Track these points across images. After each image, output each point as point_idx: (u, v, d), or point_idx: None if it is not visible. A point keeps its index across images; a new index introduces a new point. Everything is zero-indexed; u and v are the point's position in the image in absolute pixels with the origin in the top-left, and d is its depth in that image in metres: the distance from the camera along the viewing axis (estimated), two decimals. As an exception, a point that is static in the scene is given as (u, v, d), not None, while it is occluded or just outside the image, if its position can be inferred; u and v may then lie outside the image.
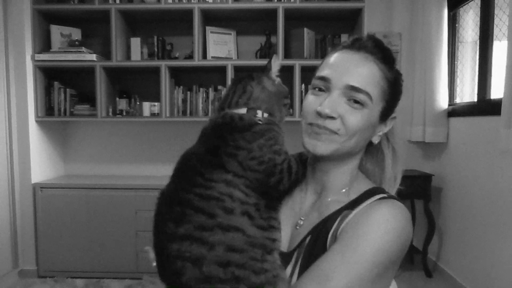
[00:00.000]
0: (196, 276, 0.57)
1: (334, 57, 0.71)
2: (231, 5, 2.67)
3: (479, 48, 2.39)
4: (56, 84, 2.82)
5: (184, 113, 2.86)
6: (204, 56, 2.79)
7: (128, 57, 2.86)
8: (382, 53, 0.70)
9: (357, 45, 0.70)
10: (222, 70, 2.76)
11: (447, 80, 2.68)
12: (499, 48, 2.25)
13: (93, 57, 2.71)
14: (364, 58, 0.69)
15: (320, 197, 0.75)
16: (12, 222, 2.66)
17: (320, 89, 0.70)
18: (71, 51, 2.71)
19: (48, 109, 2.82)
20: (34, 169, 2.72)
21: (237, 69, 2.75)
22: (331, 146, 0.68)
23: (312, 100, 0.70)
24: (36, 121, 2.75)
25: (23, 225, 2.72)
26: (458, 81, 2.78)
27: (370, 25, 2.89)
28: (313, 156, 0.72)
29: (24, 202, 2.70)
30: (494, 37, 2.28)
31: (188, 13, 2.69)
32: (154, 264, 0.65)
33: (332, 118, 0.67)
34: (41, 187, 2.69)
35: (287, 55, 2.75)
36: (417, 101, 2.79)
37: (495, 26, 2.27)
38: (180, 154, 0.70)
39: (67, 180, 2.87)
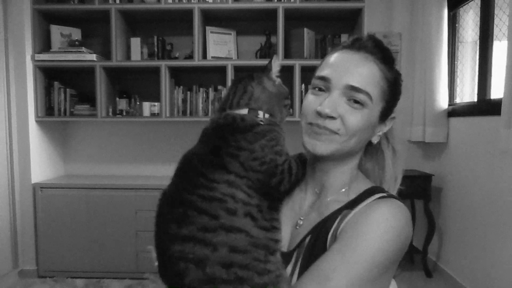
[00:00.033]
0: (199, 277, 0.57)
1: (334, 57, 0.71)
2: (231, 5, 2.67)
3: (479, 48, 2.39)
4: (56, 84, 2.82)
5: (184, 113, 2.86)
6: (204, 56, 2.79)
7: (128, 57, 2.86)
8: (382, 53, 0.70)
9: (357, 45, 0.70)
10: (222, 70, 2.76)
11: (447, 80, 2.68)
12: (499, 48, 2.25)
13: (93, 57, 2.71)
14: (364, 58, 0.69)
15: (320, 197, 0.75)
16: (12, 222, 2.67)
17: (320, 89, 0.71)
18: (71, 51, 2.71)
19: (48, 109, 2.82)
20: (34, 169, 2.72)
21: (237, 69, 2.75)
22: (331, 146, 0.69)
23: (312, 100, 0.70)
24: (36, 121, 2.75)
25: (23, 225, 2.72)
26: (458, 81, 2.78)
27: (370, 25, 2.89)
28: (313, 156, 0.72)
29: (24, 202, 2.70)
30: (494, 37, 2.28)
31: (188, 13, 2.69)
32: (156, 263, 0.65)
33: (332, 118, 0.67)
34: (41, 187, 2.69)
35: (287, 55, 2.75)
36: (417, 101, 2.79)
37: (495, 26, 2.27)
38: (180, 154, 0.70)
39: (67, 180, 2.87)
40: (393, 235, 0.63)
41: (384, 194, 0.69)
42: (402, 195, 0.75)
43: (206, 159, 0.65)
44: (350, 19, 2.88)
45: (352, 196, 0.71)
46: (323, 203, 0.74)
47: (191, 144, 0.72)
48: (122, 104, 2.87)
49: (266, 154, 0.66)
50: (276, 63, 0.75)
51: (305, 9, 2.70)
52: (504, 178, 2.04)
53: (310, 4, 2.67)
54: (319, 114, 0.68)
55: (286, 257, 0.69)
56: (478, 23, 2.41)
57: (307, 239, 0.69)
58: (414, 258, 2.95)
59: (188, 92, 2.86)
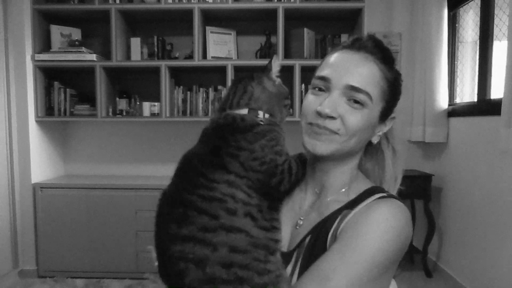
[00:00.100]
0: (199, 277, 0.57)
1: (334, 57, 0.71)
2: (231, 5, 2.67)
3: (479, 48, 2.39)
4: (56, 84, 2.82)
5: (184, 113, 2.86)
6: (204, 56, 2.79)
7: (128, 57, 2.86)
8: (382, 53, 0.70)
9: (357, 45, 0.70)
10: (222, 70, 2.76)
11: (447, 80, 2.68)
12: (499, 48, 2.25)
13: (93, 57, 2.71)
14: (364, 58, 0.69)
15: (320, 197, 0.75)
16: (12, 222, 2.67)
17: (320, 89, 0.71)
18: (71, 51, 2.71)
19: (48, 109, 2.82)
20: (34, 169, 2.72)
21: (237, 69, 2.75)
22: (331, 146, 0.69)
23: (312, 100, 0.71)
24: (36, 121, 2.75)
25: (23, 225, 2.72)
26: (458, 81, 2.78)
27: (370, 25, 2.89)
28: (313, 156, 0.72)
29: (24, 202, 2.70)
30: (494, 37, 2.28)
31: (188, 13, 2.69)
32: (156, 263, 0.65)
33: (332, 118, 0.67)
34: (41, 187, 2.69)
35: (287, 55, 2.75)
36: (417, 101, 2.79)
37: (495, 26, 2.27)
38: (180, 154, 0.70)
39: (67, 180, 2.87)
40: (393, 235, 0.63)
41: (384, 194, 0.69)
42: (402, 195, 0.75)
43: (206, 159, 0.65)
44: (350, 19, 2.88)
45: (352, 196, 0.71)
46: (323, 203, 0.74)
47: (191, 144, 0.72)
48: (122, 104, 2.87)
49: (266, 154, 0.66)
50: (276, 63, 0.75)
51: (305, 9, 2.70)
52: (504, 178, 2.04)
53: (310, 4, 2.67)
54: (319, 114, 0.68)
55: (286, 257, 0.69)
56: (478, 23, 2.41)
57: (307, 239, 0.69)
58: (414, 258, 2.95)
59: (188, 92, 2.86)
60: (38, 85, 2.73)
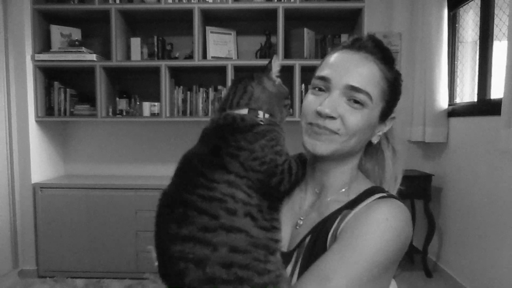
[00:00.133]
0: (199, 277, 0.57)
1: (334, 57, 0.71)
2: (231, 5, 2.67)
3: (479, 48, 2.39)
4: (56, 84, 2.82)
5: (184, 113, 2.86)
6: (204, 56, 2.79)
7: (128, 57, 2.86)
8: (382, 53, 0.70)
9: (357, 45, 0.70)
10: (222, 70, 2.76)
11: (447, 80, 2.68)
12: (499, 48, 2.25)
13: (93, 57, 2.71)
14: (364, 58, 0.69)
15: (320, 197, 0.75)
16: (12, 222, 2.67)
17: (320, 89, 0.71)
18: (71, 51, 2.71)
19: (48, 109, 2.82)
20: (34, 169, 2.72)
21: (237, 69, 2.75)
22: (331, 146, 0.69)
23: (312, 100, 0.71)
24: (36, 121, 2.75)
25: (23, 225, 2.72)
26: (458, 81, 2.78)
27: (370, 25, 2.89)
28: (312, 156, 0.72)
29: (24, 202, 2.70)
30: (494, 37, 2.28)
31: (188, 13, 2.69)
32: (156, 263, 0.65)
33: (332, 118, 0.67)
34: (41, 187, 2.69)
35: (287, 55, 2.75)
36: (417, 101, 2.79)
37: (495, 26, 2.26)
38: (180, 154, 0.70)
39: (67, 180, 2.87)
40: (393, 235, 0.63)
41: (384, 194, 0.69)
42: (402, 195, 0.75)
43: (206, 159, 0.65)
44: (350, 19, 2.88)
45: (352, 196, 0.71)
46: (323, 203, 0.74)
47: (191, 144, 0.72)
48: (122, 104, 2.87)
49: (266, 154, 0.66)
50: (276, 63, 0.75)
51: (305, 9, 2.70)
52: (504, 178, 2.04)
53: (310, 4, 2.67)
54: (319, 114, 0.68)
55: (286, 257, 0.69)
56: (478, 23, 2.41)
57: (307, 239, 0.69)
58: (414, 258, 2.95)
59: (188, 92, 2.86)
60: (38, 85, 2.73)
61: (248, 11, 2.75)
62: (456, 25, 2.78)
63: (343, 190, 0.73)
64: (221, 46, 2.83)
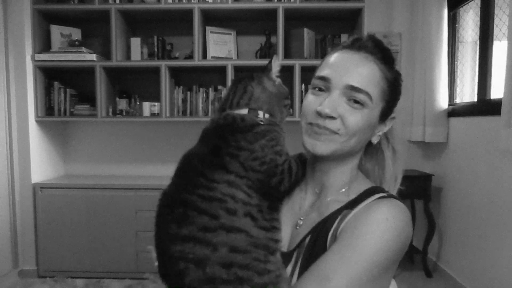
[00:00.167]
0: (199, 277, 0.57)
1: (334, 57, 0.71)
2: (231, 5, 2.67)
3: (479, 48, 2.39)
4: (56, 84, 2.82)
5: (184, 113, 2.86)
6: (204, 56, 2.79)
7: (128, 57, 2.86)
8: (382, 53, 0.70)
9: (357, 45, 0.70)
10: (222, 70, 2.76)
11: (447, 80, 2.68)
12: (499, 48, 2.25)
13: (93, 57, 2.71)
14: (364, 58, 0.69)
15: (320, 197, 0.75)
16: (12, 222, 2.67)
17: (320, 89, 0.71)
18: (71, 51, 2.71)
19: (48, 109, 2.82)
20: (34, 169, 2.72)
21: (237, 69, 2.75)
22: (331, 146, 0.69)
23: (312, 100, 0.71)
24: (36, 121, 2.75)
25: (23, 225, 2.72)
26: (458, 81, 2.78)
27: (370, 25, 2.89)
28: (312, 156, 0.72)
29: (24, 202, 2.70)
30: (494, 37, 2.28)
31: (188, 13, 2.69)
32: (156, 263, 0.65)
33: (332, 118, 0.67)
34: (41, 187, 2.69)
35: (287, 55, 2.75)
36: (417, 101, 2.79)
37: (495, 26, 2.26)
38: (180, 154, 0.70)
39: (67, 180, 2.87)
40: (393, 235, 0.63)
41: (384, 194, 0.69)
42: (402, 195, 0.75)
43: (206, 159, 0.65)
44: (350, 19, 2.88)
45: (352, 196, 0.71)
46: (323, 203, 0.74)
47: (191, 144, 0.72)
48: (122, 104, 2.87)
49: (266, 154, 0.66)
50: (276, 63, 0.75)
51: (305, 9, 2.70)
52: (504, 178, 2.04)
53: (310, 4, 2.67)
54: (319, 114, 0.68)
55: (286, 257, 0.69)
56: (478, 23, 2.41)
57: (307, 239, 0.69)
58: (414, 258, 2.95)
59: (188, 92, 2.86)
60: (38, 85, 2.73)
61: (248, 11, 2.75)
62: (456, 25, 2.78)
63: (343, 190, 0.73)
64: (221, 46, 2.83)
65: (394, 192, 0.75)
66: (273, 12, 2.68)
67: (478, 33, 2.40)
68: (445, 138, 2.66)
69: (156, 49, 2.82)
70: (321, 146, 0.69)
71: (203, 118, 2.79)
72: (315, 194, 0.77)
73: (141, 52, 2.83)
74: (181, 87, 2.86)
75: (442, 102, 2.65)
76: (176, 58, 2.89)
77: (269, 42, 2.86)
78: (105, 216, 2.68)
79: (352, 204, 0.69)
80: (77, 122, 3.10)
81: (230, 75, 2.69)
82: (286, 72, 2.69)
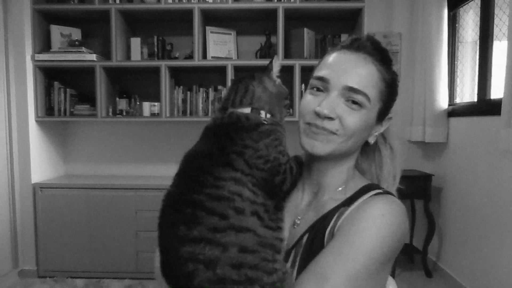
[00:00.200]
0: (209, 278, 0.57)
1: (332, 57, 0.72)
2: (231, 5, 2.67)
3: (479, 48, 2.39)
4: (56, 84, 2.82)
5: (184, 113, 2.86)
6: (204, 56, 2.79)
7: (128, 57, 2.86)
8: (381, 54, 0.71)
9: (355, 46, 0.71)
10: (222, 70, 2.76)
11: (447, 80, 2.68)
12: (499, 48, 2.25)
13: (93, 57, 2.71)
14: (363, 59, 0.69)
15: (317, 196, 0.76)
16: (12, 222, 2.67)
17: (318, 89, 0.71)
18: (71, 51, 2.71)
19: (48, 109, 2.82)
20: (34, 169, 2.72)
21: (237, 69, 2.75)
22: (329, 146, 0.69)
23: (310, 100, 0.71)
24: (36, 121, 2.75)
25: (23, 225, 2.72)
26: (458, 81, 2.78)
27: (370, 25, 2.89)
28: (310, 156, 0.73)
29: (24, 202, 2.70)
30: (494, 37, 2.28)
31: (188, 13, 2.69)
32: (157, 264, 0.65)
33: (330, 118, 0.68)
34: (41, 187, 2.69)
35: (287, 55, 2.75)
36: (417, 101, 2.79)
37: (495, 26, 2.26)
38: (180, 154, 0.70)
39: (67, 180, 2.87)
40: (389, 230, 0.63)
41: (380, 191, 0.70)
42: (402, 195, 0.75)
43: (212, 157, 0.65)
44: (350, 19, 2.88)
45: (349, 193, 0.71)
46: (320, 202, 0.74)
47: (191, 144, 0.71)
48: (122, 104, 2.87)
49: (270, 153, 0.66)
50: (277, 63, 0.75)
51: (305, 9, 2.70)
52: (504, 178, 2.04)
53: (310, 4, 2.67)
54: (318, 114, 0.68)
55: (285, 256, 0.69)
56: (478, 23, 2.41)
57: (305, 238, 0.70)
58: (414, 258, 2.95)
59: (188, 92, 2.86)
60: (38, 85, 2.73)
61: (248, 11, 2.75)
62: (456, 25, 2.78)
63: (340, 188, 0.74)
64: (221, 46, 2.83)
65: (393, 190, 0.75)
66: (273, 12, 2.68)
67: (478, 33, 2.40)
68: (445, 138, 2.66)
69: (156, 49, 2.82)
70: (319, 147, 0.69)
71: (203, 118, 2.79)
72: (312, 194, 0.77)
73: (141, 52, 2.83)
74: (181, 87, 2.86)
75: (442, 102, 2.65)
76: (176, 58, 2.89)
77: (269, 42, 2.86)
78: (105, 216, 2.68)
79: (349, 202, 0.69)
80: (77, 122, 3.10)
81: (230, 75, 2.69)
82: (286, 72, 2.69)
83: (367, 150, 0.79)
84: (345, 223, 0.65)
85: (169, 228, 0.62)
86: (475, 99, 2.43)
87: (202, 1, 2.69)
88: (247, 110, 0.70)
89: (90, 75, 2.76)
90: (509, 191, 1.99)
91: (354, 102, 0.68)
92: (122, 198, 2.67)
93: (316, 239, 0.68)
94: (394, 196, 0.70)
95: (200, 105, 2.84)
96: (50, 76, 2.84)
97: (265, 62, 0.79)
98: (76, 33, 2.87)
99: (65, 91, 2.83)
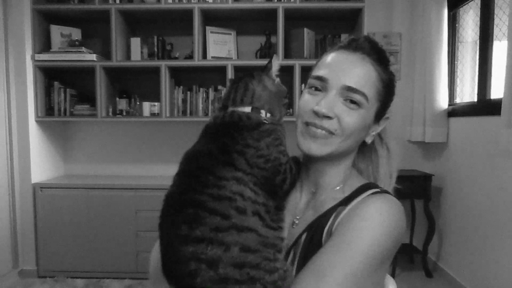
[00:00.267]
0: (211, 278, 0.57)
1: (331, 57, 0.72)
2: (231, 5, 2.67)
3: (479, 48, 2.39)
4: (56, 84, 2.82)
5: (184, 113, 2.86)
6: (204, 56, 2.79)
7: (128, 57, 2.86)
8: (378, 55, 0.71)
9: (353, 46, 0.71)
10: (222, 70, 2.76)
11: (447, 80, 2.68)
12: (499, 48, 2.25)
13: (93, 57, 2.71)
14: (361, 59, 0.70)
15: (315, 196, 0.76)
16: (12, 222, 2.67)
17: (316, 89, 0.71)
18: (71, 51, 2.71)
19: (48, 109, 2.82)
20: (34, 169, 2.72)
21: (237, 69, 2.75)
22: (326, 148, 0.70)
23: (308, 99, 0.71)
24: (36, 121, 2.75)
25: (23, 225, 2.72)
26: (458, 81, 2.78)
27: (370, 25, 2.89)
28: (307, 156, 0.73)
29: (24, 202, 2.70)
30: (494, 37, 2.28)
31: (188, 13, 2.69)
32: (153, 264, 0.65)
33: (329, 118, 0.68)
34: (41, 187, 2.69)
35: (287, 55, 2.75)
36: (417, 101, 2.79)
37: (495, 26, 2.26)
38: (180, 154, 0.69)
39: (67, 180, 2.87)
40: (386, 229, 0.64)
41: (378, 190, 0.70)
42: (402, 195, 0.76)
43: (213, 156, 0.65)
44: (350, 19, 2.88)
45: (347, 193, 0.72)
46: (318, 201, 0.75)
47: (191, 144, 0.71)
48: (122, 104, 2.87)
49: (271, 152, 0.66)
50: (276, 63, 0.75)
51: (305, 9, 2.70)
52: (504, 178, 2.04)
53: (310, 4, 2.67)
54: (316, 113, 0.68)
55: (284, 255, 0.69)
56: (478, 23, 2.41)
57: (303, 237, 0.70)
58: (414, 258, 2.95)
59: (188, 92, 2.86)
60: (38, 85, 2.73)
61: (248, 11, 2.75)
62: (456, 25, 2.78)
63: (338, 188, 0.74)
64: (221, 46, 2.83)
65: (390, 190, 0.76)
66: (273, 12, 2.68)
67: (478, 33, 2.40)
68: (445, 138, 2.66)
69: (156, 49, 2.82)
70: (316, 149, 0.70)
71: (203, 118, 2.79)
72: (310, 193, 0.78)
73: (141, 52, 2.83)
74: (181, 87, 2.86)
75: (442, 102, 2.65)
76: (176, 58, 2.89)
77: (269, 42, 2.86)
78: (105, 216, 2.68)
79: (346, 201, 0.70)
80: (77, 122, 3.10)
81: (230, 75, 2.69)
82: (286, 72, 2.69)
83: (364, 150, 0.80)
84: (343, 222, 0.66)
85: (171, 228, 0.62)
86: (475, 99, 2.43)
87: (202, 1, 2.69)
88: (247, 109, 0.70)
89: (90, 75, 2.76)
90: (509, 191, 1.99)
91: (353, 102, 0.69)
92: (122, 198, 2.68)
93: (314, 238, 0.68)
94: (392, 195, 0.70)
95: (200, 105, 2.85)
96: (50, 76, 2.84)
97: (265, 62, 0.79)
98: (76, 33, 2.87)
99: (65, 91, 2.83)
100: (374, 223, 0.63)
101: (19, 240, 2.71)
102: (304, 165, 0.77)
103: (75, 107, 2.84)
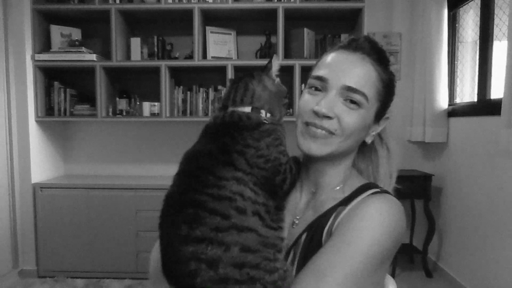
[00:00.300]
0: (211, 278, 0.57)
1: (331, 57, 0.72)
2: (231, 5, 2.67)
3: (479, 48, 2.39)
4: (56, 84, 2.82)
5: (184, 113, 2.86)
6: (204, 56, 2.79)
7: (128, 57, 2.86)
8: (378, 55, 0.71)
9: (353, 46, 0.71)
10: (222, 70, 2.76)
11: (447, 80, 2.68)
12: (499, 48, 2.25)
13: (93, 57, 2.71)
14: (361, 59, 0.70)
15: (315, 196, 0.76)
16: (12, 222, 2.67)
17: (316, 89, 0.71)
18: (71, 51, 2.71)
19: (48, 109, 2.82)
20: (34, 169, 2.72)
21: (237, 69, 2.75)
22: (326, 148, 0.70)
23: (308, 99, 0.71)
24: (36, 121, 2.75)
25: (23, 225, 2.72)
26: (458, 81, 2.78)
27: (370, 25, 2.89)
28: (307, 156, 0.73)
29: (24, 202, 2.70)
30: (494, 37, 2.28)
31: (188, 13, 2.69)
32: (153, 264, 0.65)
33: (329, 118, 0.68)
34: (41, 187, 2.69)
35: (287, 55, 2.75)
36: (417, 101, 2.79)
37: (495, 26, 2.26)
38: (180, 154, 0.69)
39: (67, 180, 2.87)
40: (386, 229, 0.64)
41: (378, 190, 0.70)
42: (402, 195, 0.76)
43: (213, 156, 0.64)
44: (350, 19, 2.88)
45: (347, 192, 0.72)
46: (318, 201, 0.75)
47: (191, 144, 0.71)
48: (122, 104, 2.87)
49: (271, 152, 0.66)
50: (276, 63, 0.75)
51: (305, 9, 2.70)
52: (504, 178, 2.04)
53: (310, 4, 2.67)
54: (316, 113, 0.68)
55: (284, 255, 0.69)
56: (478, 23, 2.41)
57: (303, 237, 0.70)
58: (414, 258, 2.95)
59: (188, 92, 2.86)
60: (38, 85, 2.73)
61: (248, 11, 2.75)
62: (456, 25, 2.78)
63: (338, 188, 0.74)
64: (221, 46, 2.83)
65: (390, 190, 0.76)
66: (273, 12, 2.68)
67: (478, 33, 2.40)
68: (445, 138, 2.66)
69: (156, 49, 2.82)
70: (316, 149, 0.70)
71: (203, 118, 2.79)
72: (310, 193, 0.78)
73: (141, 52, 2.83)
74: (181, 87, 2.86)
75: (442, 102, 2.65)
76: (176, 58, 2.89)
77: (269, 42, 2.86)
78: (105, 216, 2.68)
79: (346, 201, 0.70)
80: (77, 122, 3.10)
81: (230, 75, 2.69)
82: (286, 72, 2.69)
83: (364, 150, 0.79)
84: (343, 222, 0.66)
85: (171, 228, 0.62)
86: (475, 99, 2.43)
87: (202, 1, 2.69)
88: (247, 109, 0.70)
89: (90, 75, 2.76)
90: (509, 191, 1.99)
91: (353, 102, 0.69)
92: (122, 198, 2.68)
93: (314, 238, 0.68)
94: (392, 195, 0.70)
95: (200, 105, 2.85)
96: (50, 76, 2.84)
97: (265, 62, 0.79)
98: (76, 33, 2.87)
99: (65, 91, 2.83)
100: (374, 223, 0.63)
101: (19, 240, 2.71)
102: (304, 165, 0.77)
103: (75, 107, 2.84)
